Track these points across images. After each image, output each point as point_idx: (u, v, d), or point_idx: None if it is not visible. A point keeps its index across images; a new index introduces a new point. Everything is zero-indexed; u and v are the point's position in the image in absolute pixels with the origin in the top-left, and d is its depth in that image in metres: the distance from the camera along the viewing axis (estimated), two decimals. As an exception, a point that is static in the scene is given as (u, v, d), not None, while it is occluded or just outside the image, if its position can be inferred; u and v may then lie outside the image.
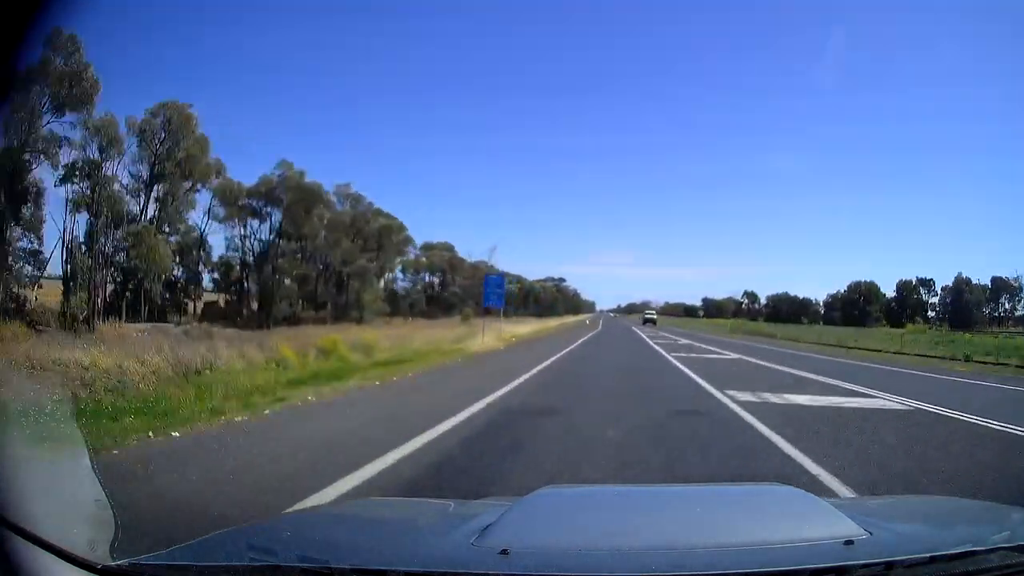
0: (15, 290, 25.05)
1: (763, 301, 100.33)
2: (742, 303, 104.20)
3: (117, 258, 29.20)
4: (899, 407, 9.75)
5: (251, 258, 36.17)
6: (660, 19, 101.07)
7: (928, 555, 1.38)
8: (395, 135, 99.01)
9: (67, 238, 27.33)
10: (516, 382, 11.42)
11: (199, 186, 32.95)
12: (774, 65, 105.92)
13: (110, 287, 29.21)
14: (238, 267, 36.86)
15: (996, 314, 72.52)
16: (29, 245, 26.93)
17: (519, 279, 61.88)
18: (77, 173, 27.22)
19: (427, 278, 51.80)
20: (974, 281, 70.86)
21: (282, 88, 78.24)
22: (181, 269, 34.24)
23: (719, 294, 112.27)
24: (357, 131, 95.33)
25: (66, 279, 27.11)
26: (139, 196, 30.48)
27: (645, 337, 35.33)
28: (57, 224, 27.56)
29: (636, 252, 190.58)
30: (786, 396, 10.44)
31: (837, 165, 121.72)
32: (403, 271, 49.88)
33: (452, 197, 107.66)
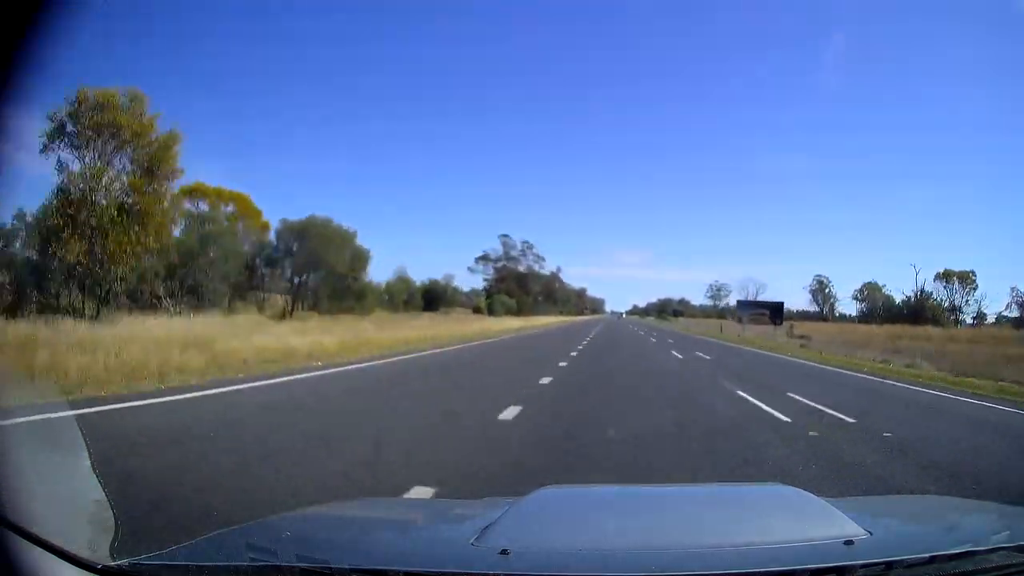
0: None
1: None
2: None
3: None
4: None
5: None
6: (669, 20, 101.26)
7: (928, 555, 1.38)
8: (398, 132, 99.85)
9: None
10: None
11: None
12: (792, 65, 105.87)
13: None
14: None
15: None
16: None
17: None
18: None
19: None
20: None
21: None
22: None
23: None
24: (358, 130, 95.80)
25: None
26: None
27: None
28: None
29: (655, 255, 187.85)
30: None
31: (848, 165, 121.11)
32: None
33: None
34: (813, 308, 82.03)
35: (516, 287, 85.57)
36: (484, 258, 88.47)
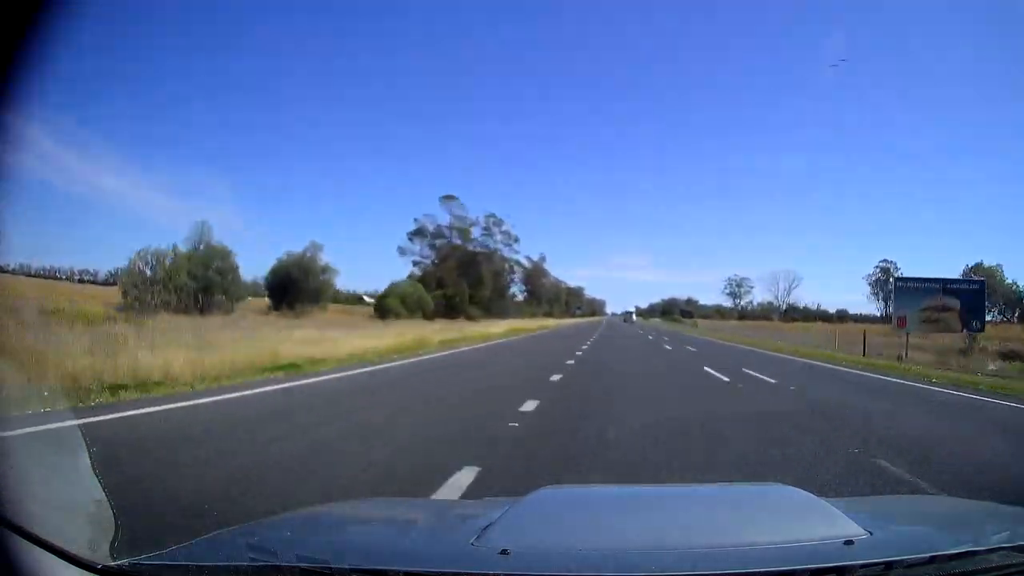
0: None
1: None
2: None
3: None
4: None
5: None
6: (675, 18, 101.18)
7: (928, 555, 1.38)
8: (396, 134, 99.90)
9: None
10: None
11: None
12: (793, 64, 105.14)
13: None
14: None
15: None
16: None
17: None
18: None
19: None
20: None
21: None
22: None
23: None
24: (355, 130, 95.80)
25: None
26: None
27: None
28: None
29: (656, 255, 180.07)
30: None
31: (856, 163, 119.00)
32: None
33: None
34: (871, 308, 56.39)
35: (456, 274, 56.76)
36: (419, 233, 58.85)
